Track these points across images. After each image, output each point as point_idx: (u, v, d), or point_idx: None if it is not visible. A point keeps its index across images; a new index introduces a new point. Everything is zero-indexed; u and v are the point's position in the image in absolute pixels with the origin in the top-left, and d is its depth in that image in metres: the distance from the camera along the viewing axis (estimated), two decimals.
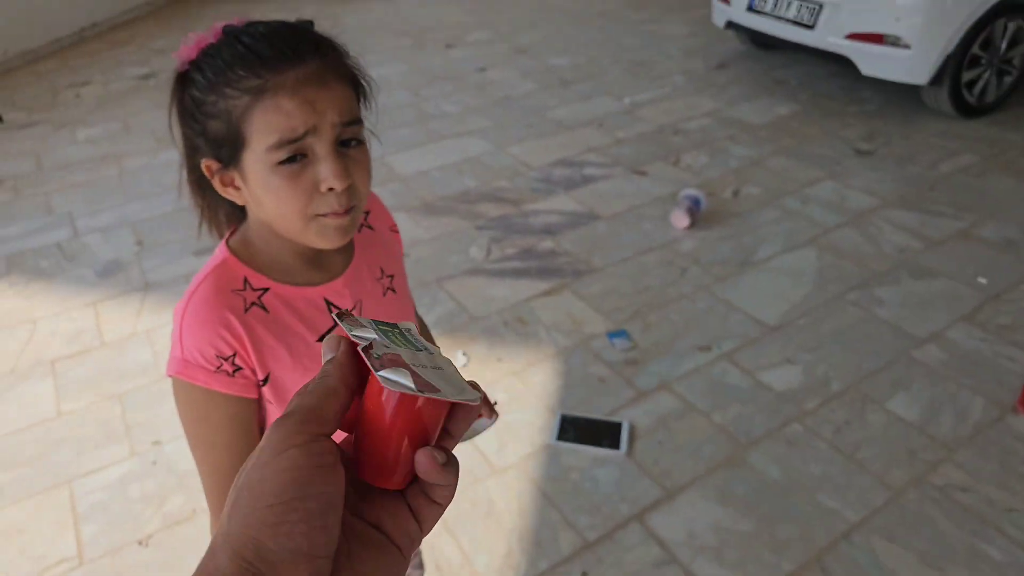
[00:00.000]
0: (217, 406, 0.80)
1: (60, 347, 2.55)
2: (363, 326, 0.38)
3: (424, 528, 0.37)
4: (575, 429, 2.08)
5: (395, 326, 0.40)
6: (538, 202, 3.30)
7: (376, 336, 0.37)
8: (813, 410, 2.16)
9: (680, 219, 3.04)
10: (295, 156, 0.70)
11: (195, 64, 0.73)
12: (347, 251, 0.88)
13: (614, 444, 2.02)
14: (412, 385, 0.33)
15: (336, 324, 0.42)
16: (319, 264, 0.85)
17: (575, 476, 1.95)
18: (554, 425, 2.09)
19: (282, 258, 0.82)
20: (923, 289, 2.68)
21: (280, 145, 0.69)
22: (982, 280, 2.71)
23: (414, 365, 0.35)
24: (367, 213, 0.95)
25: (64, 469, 2.06)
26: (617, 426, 2.08)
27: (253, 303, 0.80)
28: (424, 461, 0.35)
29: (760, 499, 1.88)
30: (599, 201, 3.29)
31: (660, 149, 3.76)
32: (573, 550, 1.75)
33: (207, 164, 0.76)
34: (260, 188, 0.73)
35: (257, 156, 0.71)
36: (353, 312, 0.43)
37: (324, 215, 0.74)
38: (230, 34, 0.71)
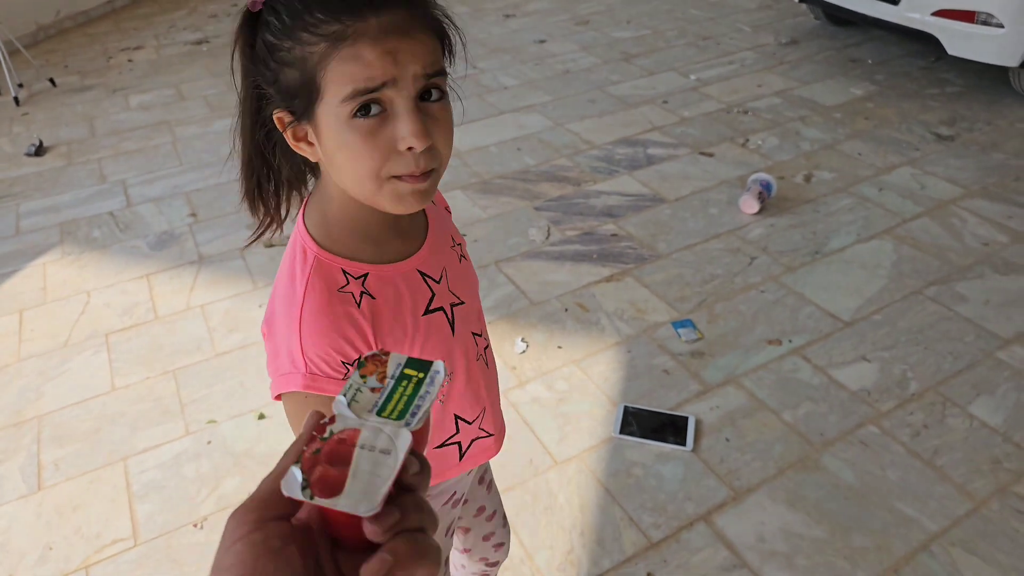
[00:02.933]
0: None
1: (114, 320, 2.61)
2: (368, 378, 0.41)
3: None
4: (638, 422, 2.06)
5: (427, 369, 0.42)
6: (600, 183, 3.26)
7: (347, 406, 0.39)
8: (889, 411, 2.10)
9: (749, 204, 2.97)
10: (371, 108, 0.65)
11: (269, 5, 0.67)
12: (423, 217, 0.86)
13: (680, 440, 2.00)
14: (299, 494, 0.35)
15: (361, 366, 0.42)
16: (403, 232, 0.82)
17: (638, 472, 1.94)
18: (616, 417, 2.07)
19: (366, 230, 0.78)
20: (1009, 286, 2.58)
21: (355, 95, 0.64)
22: None
23: (361, 447, 0.37)
24: None
25: (119, 446, 2.11)
26: (683, 420, 2.05)
27: (362, 293, 0.77)
28: (370, 530, 0.36)
29: (833, 504, 1.84)
30: (663, 183, 3.24)
31: (727, 129, 3.67)
32: (637, 550, 1.74)
33: (279, 116, 0.71)
34: (333, 144, 0.68)
35: (331, 108, 0.66)
36: (384, 353, 0.42)
37: (400, 177, 0.68)
38: None
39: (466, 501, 1.18)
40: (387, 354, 0.43)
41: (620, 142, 3.60)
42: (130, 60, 5.10)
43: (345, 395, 0.40)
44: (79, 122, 4.18)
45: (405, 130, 0.66)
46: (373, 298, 0.77)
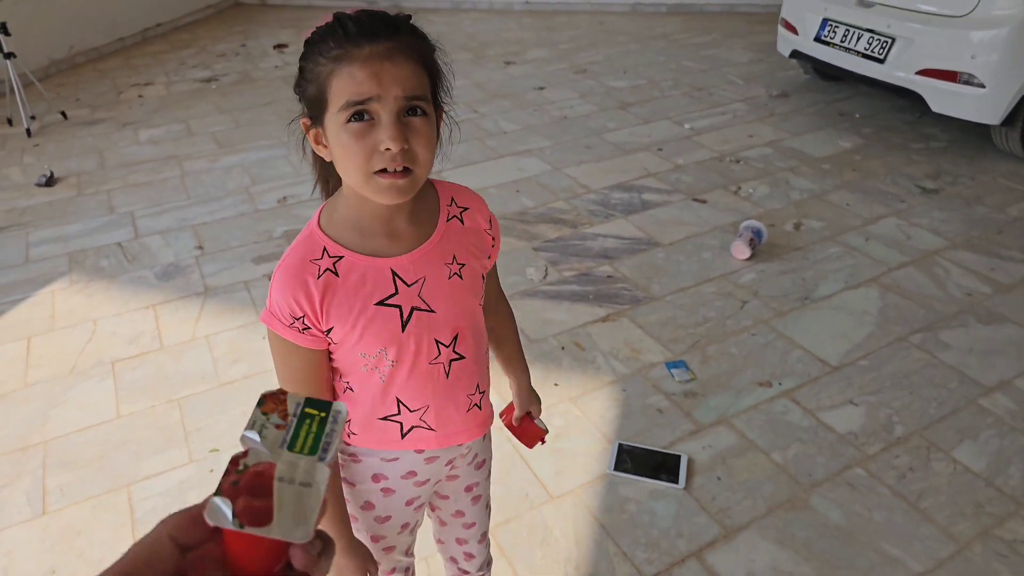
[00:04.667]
0: (293, 351, 0.98)
1: (120, 348, 2.65)
2: (271, 415, 0.43)
3: None
4: (632, 460, 2.11)
5: (327, 408, 0.44)
6: (596, 226, 3.35)
7: (259, 439, 0.41)
8: (876, 455, 2.16)
9: (741, 250, 3.06)
10: (361, 116, 0.84)
11: (307, 40, 0.88)
12: (427, 232, 1.00)
13: (672, 477, 2.05)
14: (230, 518, 0.38)
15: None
16: (395, 235, 0.97)
17: (632, 508, 1.98)
18: (611, 454, 2.12)
19: (361, 224, 0.95)
20: (991, 335, 2.66)
21: (348, 106, 0.83)
22: None
23: (280, 479, 0.39)
24: (464, 209, 1.06)
25: (123, 472, 2.14)
26: (676, 459, 2.10)
27: (327, 269, 0.94)
28: (300, 558, 0.40)
29: (821, 543, 1.89)
30: (658, 227, 3.33)
31: (720, 177, 3.79)
32: None
33: (304, 121, 0.92)
34: (334, 143, 0.88)
35: (332, 115, 0.85)
36: (283, 392, 0.45)
37: (380, 172, 0.86)
38: (337, 17, 0.86)
39: (446, 497, 1.28)
40: (284, 393, 0.45)
41: (616, 187, 3.71)
42: (140, 96, 5.22)
43: (253, 429, 0.42)
44: (89, 154, 4.27)
45: (384, 134, 0.84)
46: (337, 276, 0.94)
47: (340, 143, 0.86)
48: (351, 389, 1.05)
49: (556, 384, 2.40)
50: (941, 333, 2.67)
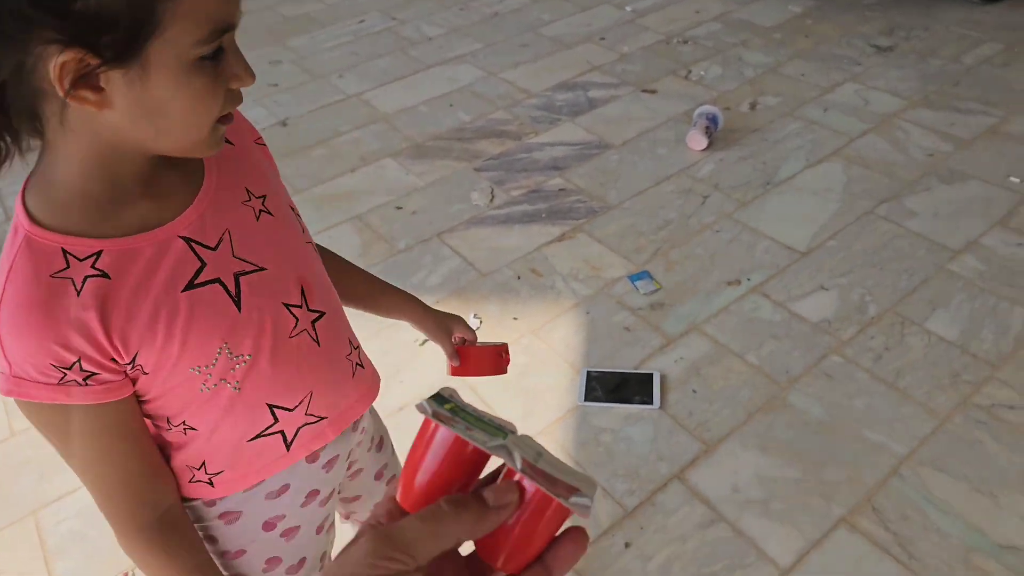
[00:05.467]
0: (75, 419, 0.70)
1: None
2: (462, 421, 0.39)
3: None
4: (603, 386, 2.08)
5: (503, 431, 0.40)
6: (542, 134, 3.22)
7: (510, 444, 0.38)
8: (851, 339, 2.15)
9: (697, 140, 2.97)
10: (220, 48, 0.62)
11: None
12: (193, 174, 0.74)
13: (646, 399, 2.03)
14: (587, 504, 0.37)
15: (436, 415, 0.40)
16: (161, 193, 0.71)
17: (607, 438, 1.97)
18: (580, 384, 2.10)
19: (106, 197, 0.67)
20: (955, 195, 2.64)
21: (213, 36, 0.60)
22: (1015, 179, 2.67)
23: (560, 474, 0.38)
24: None
25: (28, 497, 1.93)
26: (648, 378, 2.09)
27: (87, 277, 0.65)
28: (572, 555, 0.39)
29: (804, 442, 1.90)
30: (608, 127, 3.21)
31: (669, 62, 3.64)
32: (613, 521, 1.78)
33: (66, 60, 0.55)
34: (171, 90, 0.61)
35: (177, 50, 0.58)
36: (444, 398, 0.41)
37: (223, 119, 0.67)
38: None
39: (357, 498, 1.13)
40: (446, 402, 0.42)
41: (559, 87, 3.55)
42: None
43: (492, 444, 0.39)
44: None
45: (241, 68, 0.64)
46: (108, 278, 0.67)
47: (186, 89, 0.61)
48: (193, 429, 0.80)
49: (515, 318, 2.35)
50: (906, 200, 2.64)
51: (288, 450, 0.87)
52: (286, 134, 3.36)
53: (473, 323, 2.33)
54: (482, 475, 0.41)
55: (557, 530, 0.38)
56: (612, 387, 2.08)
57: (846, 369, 2.07)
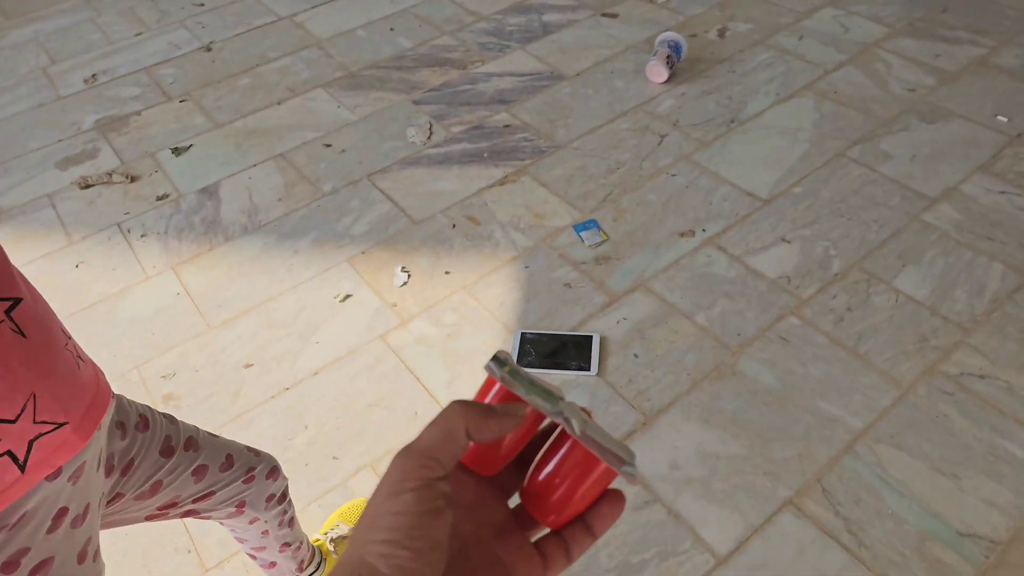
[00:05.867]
0: None
1: None
2: (521, 385, 0.39)
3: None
4: (537, 350, 1.91)
5: (555, 397, 0.40)
6: (489, 63, 2.95)
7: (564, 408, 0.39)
8: (811, 297, 1.98)
9: (657, 72, 2.72)
10: None
11: None
12: None
13: (583, 364, 1.86)
14: (635, 472, 0.39)
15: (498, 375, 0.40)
16: None
17: None
18: (513, 347, 1.92)
19: None
20: (935, 136, 2.44)
21: None
22: (1002, 118, 2.47)
23: (607, 443, 0.39)
24: None
25: None
26: (587, 341, 1.91)
27: None
28: (611, 516, 0.42)
29: (752, 414, 1.74)
30: (562, 56, 2.94)
31: None
32: None
33: None
34: None
35: None
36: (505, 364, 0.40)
37: None
38: None
39: (133, 460, 0.91)
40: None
41: (511, 10, 3.25)
42: None
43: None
44: None
45: None
46: None
47: None
48: None
49: (447, 272, 2.14)
50: (882, 141, 2.43)
51: (23, 472, 0.70)
52: (209, 60, 3.06)
53: (401, 277, 2.13)
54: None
55: (601, 493, 0.41)
56: (548, 351, 1.90)
57: (804, 332, 1.91)
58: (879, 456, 1.65)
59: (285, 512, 1.16)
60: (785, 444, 1.69)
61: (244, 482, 1.04)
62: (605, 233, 2.20)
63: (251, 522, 1.10)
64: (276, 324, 2.03)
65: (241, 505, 1.05)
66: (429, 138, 2.61)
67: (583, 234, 2.20)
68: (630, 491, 1.62)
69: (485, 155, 2.52)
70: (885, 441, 1.68)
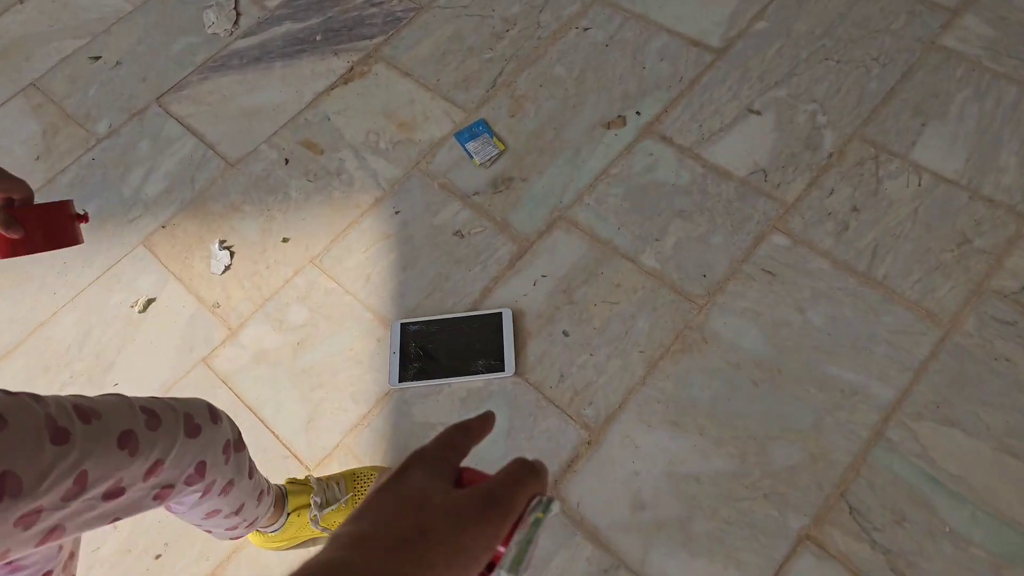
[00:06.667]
0: None
1: None
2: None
3: None
4: (426, 350, 1.34)
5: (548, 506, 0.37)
6: None
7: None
8: (800, 198, 1.42)
9: None
10: None
11: None
12: None
13: (493, 361, 1.31)
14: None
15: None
16: None
17: None
18: (391, 347, 1.35)
19: None
20: None
21: None
22: None
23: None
24: None
25: None
26: (494, 322, 1.34)
27: None
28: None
29: (737, 401, 1.24)
30: None
31: None
32: None
33: None
34: None
35: None
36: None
37: None
38: None
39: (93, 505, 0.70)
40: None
41: None
42: None
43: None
44: None
45: None
46: None
47: None
48: None
49: (285, 240, 1.52)
50: None
51: None
52: None
53: (220, 258, 1.50)
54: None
55: None
56: (442, 349, 1.34)
57: (795, 257, 1.36)
58: (921, 440, 1.17)
59: (202, 490, 0.87)
60: (789, 443, 1.20)
61: (188, 436, 0.79)
62: (501, 140, 1.56)
63: (223, 491, 0.88)
64: (52, 363, 1.43)
65: (201, 468, 0.81)
66: (236, 23, 1.85)
67: (470, 146, 1.55)
68: (578, 552, 1.15)
69: (318, 38, 1.78)
70: (928, 415, 1.19)
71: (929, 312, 1.27)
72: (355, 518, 0.33)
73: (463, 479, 0.39)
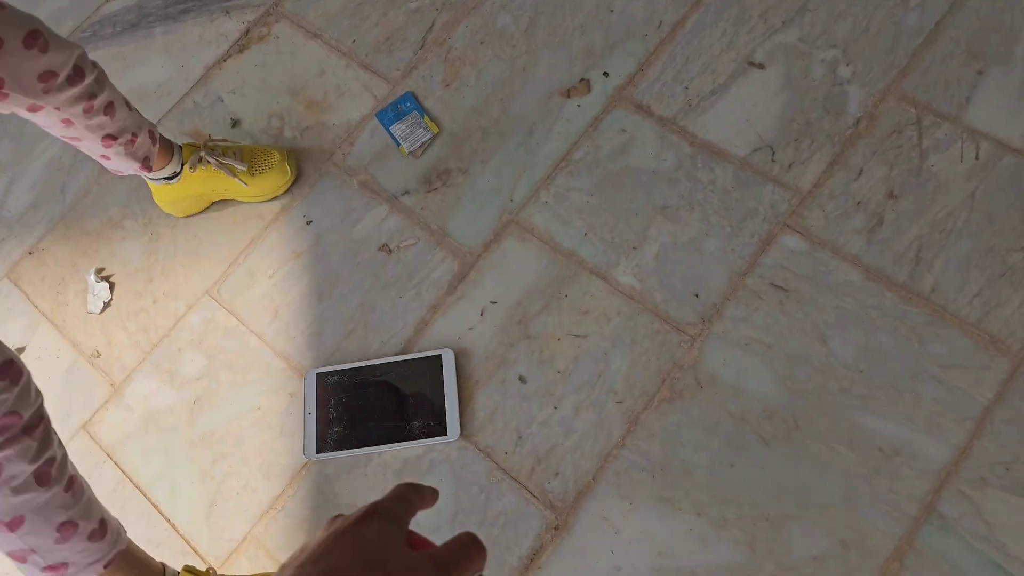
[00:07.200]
0: None
1: None
2: None
3: None
4: (347, 407, 1.07)
5: None
6: None
7: None
8: (819, 183, 1.11)
9: None
10: None
11: None
12: None
13: (433, 423, 1.03)
14: None
15: None
16: None
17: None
18: (305, 408, 1.08)
19: None
20: None
21: None
22: None
23: None
24: None
25: None
26: (431, 368, 1.06)
27: None
28: None
29: (744, 467, 0.97)
30: None
31: None
32: None
33: None
34: None
35: None
36: None
37: None
38: None
39: None
40: None
41: None
42: None
43: None
44: None
45: None
46: None
47: None
48: None
49: (160, 273, 1.22)
50: None
51: None
52: None
53: (98, 292, 1.22)
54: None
55: None
56: (368, 406, 1.06)
57: (814, 264, 1.05)
58: (986, 515, 0.90)
59: (85, 96, 0.93)
60: (811, 523, 0.93)
61: None
62: (433, 120, 1.23)
63: (32, 110, 0.90)
64: None
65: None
66: None
67: (396, 129, 1.23)
68: None
69: None
70: (994, 480, 0.91)
71: (993, 338, 0.97)
72: (310, 560, 0.31)
73: (411, 541, 0.36)
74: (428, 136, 1.21)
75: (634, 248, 1.09)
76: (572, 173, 1.15)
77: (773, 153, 1.12)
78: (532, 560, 0.96)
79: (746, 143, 1.13)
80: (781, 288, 1.04)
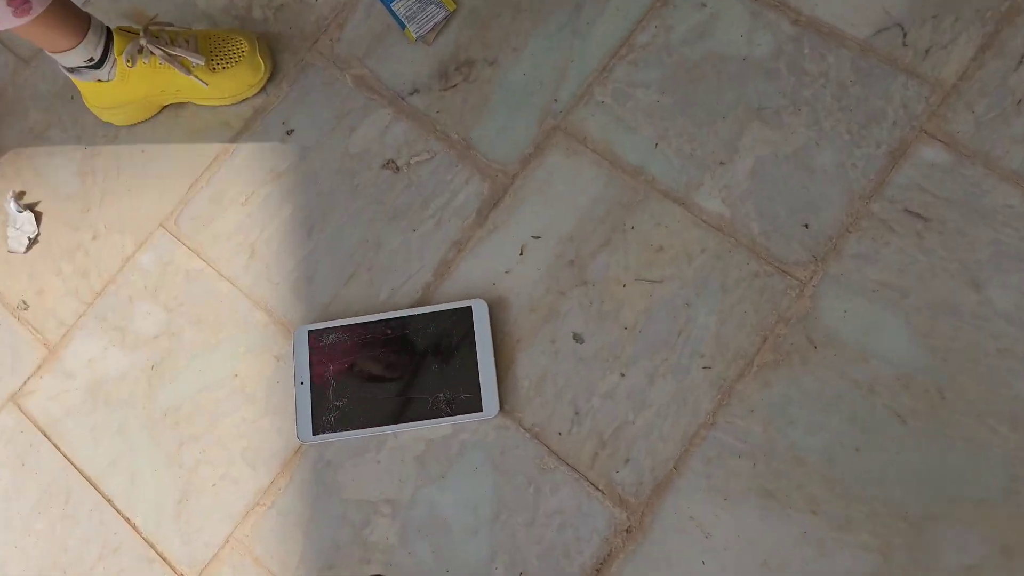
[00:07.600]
0: None
1: None
2: None
3: None
4: (351, 377, 0.83)
5: None
6: None
7: None
8: (968, 74, 0.84)
9: None
10: None
11: None
12: None
13: (465, 395, 0.80)
14: None
15: None
16: None
17: (389, 539, 0.80)
18: (296, 376, 0.84)
19: None
20: None
21: None
22: None
23: None
24: None
25: None
26: (460, 326, 0.82)
27: None
28: None
29: (874, 450, 0.75)
30: None
31: None
32: None
33: None
34: None
35: None
36: None
37: None
38: None
39: None
40: None
41: None
42: None
43: None
44: None
45: None
46: None
47: None
48: None
49: (87, 208, 0.95)
50: None
51: None
52: None
53: (21, 224, 0.95)
54: None
55: None
56: (378, 370, 0.83)
57: (961, 184, 0.82)
58: None
59: None
60: (963, 525, 0.72)
61: None
62: None
63: None
64: None
65: None
66: None
67: (398, 6, 0.94)
68: None
69: None
70: None
71: None
72: None
73: None
74: (442, 14, 0.92)
75: (722, 163, 0.83)
76: (636, 63, 0.88)
77: (905, 34, 0.85)
78: (598, 571, 0.75)
79: (868, 21, 0.86)
80: (918, 216, 0.79)
